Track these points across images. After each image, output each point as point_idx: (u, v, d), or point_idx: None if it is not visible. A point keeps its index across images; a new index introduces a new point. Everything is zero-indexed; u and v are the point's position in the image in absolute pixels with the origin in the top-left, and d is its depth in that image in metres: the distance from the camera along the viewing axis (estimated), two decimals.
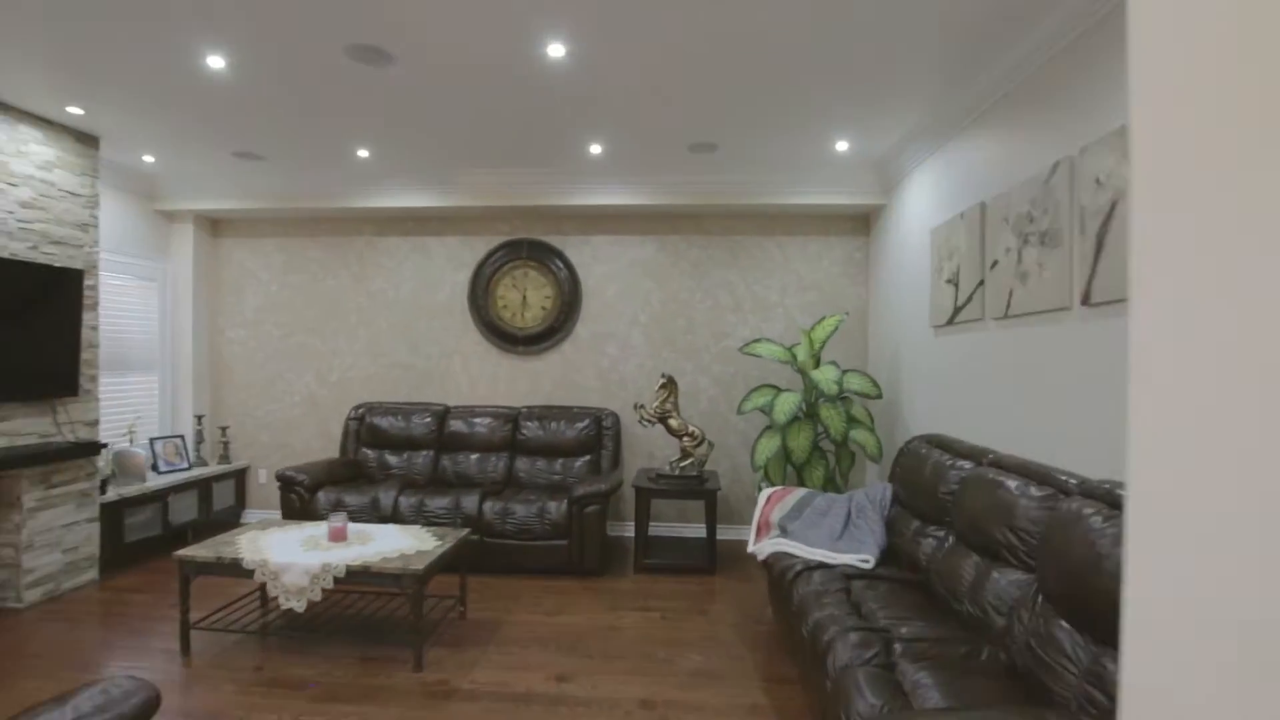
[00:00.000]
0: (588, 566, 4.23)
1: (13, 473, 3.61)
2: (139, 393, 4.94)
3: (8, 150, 3.55)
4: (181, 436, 5.05)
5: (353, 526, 3.62)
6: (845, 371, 4.28)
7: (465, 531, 3.58)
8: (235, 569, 3.09)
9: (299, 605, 3.03)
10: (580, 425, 4.93)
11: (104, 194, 4.58)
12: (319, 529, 3.55)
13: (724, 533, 5.09)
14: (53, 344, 3.73)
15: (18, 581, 3.66)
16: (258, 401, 5.48)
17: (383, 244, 5.37)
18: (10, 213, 3.58)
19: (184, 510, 4.79)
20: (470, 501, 4.31)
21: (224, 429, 5.32)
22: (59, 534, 3.86)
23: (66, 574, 3.90)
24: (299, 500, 4.43)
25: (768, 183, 4.71)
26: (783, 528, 3.44)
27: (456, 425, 5.02)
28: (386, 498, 4.40)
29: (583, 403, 5.25)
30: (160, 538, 4.58)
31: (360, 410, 5.18)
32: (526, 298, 5.26)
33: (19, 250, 3.62)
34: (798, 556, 3.10)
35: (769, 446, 4.22)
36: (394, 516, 4.35)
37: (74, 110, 3.62)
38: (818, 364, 4.40)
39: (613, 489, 4.30)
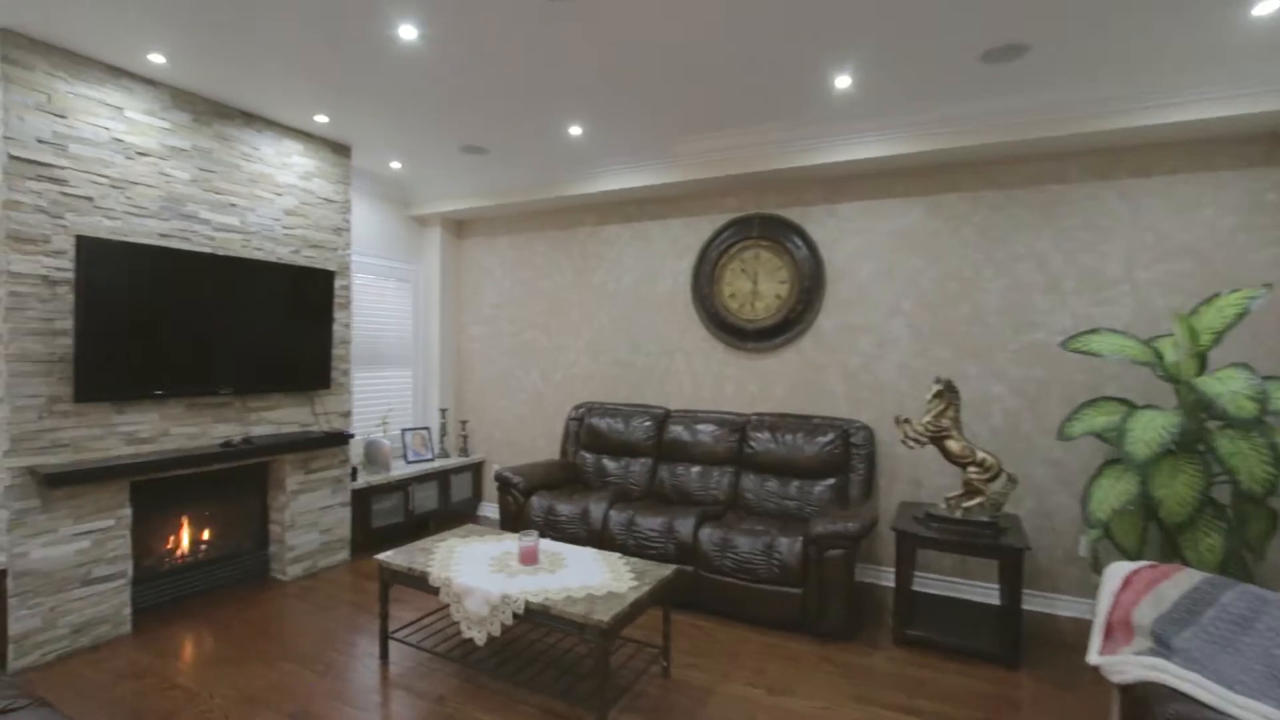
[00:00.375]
0: (827, 626, 3.26)
1: (279, 457, 3.94)
2: (393, 386, 5.30)
3: (275, 163, 3.87)
4: (428, 429, 5.30)
5: (547, 546, 3.20)
6: (1268, 379, 2.62)
7: (669, 572, 2.90)
8: (423, 583, 2.84)
9: (479, 637, 2.65)
10: (822, 440, 3.94)
11: (366, 203, 4.95)
12: (513, 546, 3.19)
13: (1030, 601, 3.65)
14: (309, 340, 4.00)
15: (284, 556, 3.99)
16: (492, 397, 5.57)
17: (603, 233, 5.02)
18: (277, 220, 3.90)
19: (425, 500, 4.98)
20: (685, 526, 3.64)
21: (464, 423, 5.49)
22: (316, 516, 4.15)
23: (322, 553, 4.19)
24: (514, 503, 4.23)
25: (1111, 98, 3.18)
26: (1160, 638, 2.08)
27: (676, 431, 4.41)
28: (597, 510, 3.96)
29: (826, 411, 4.24)
30: (402, 525, 4.79)
31: (580, 410, 4.88)
32: (757, 285, 4.43)
33: (284, 254, 3.94)
34: (1204, 704, 1.77)
35: (1116, 491, 2.77)
36: (602, 533, 3.88)
37: (321, 119, 3.80)
38: (1204, 367, 2.80)
39: (864, 530, 3.25)
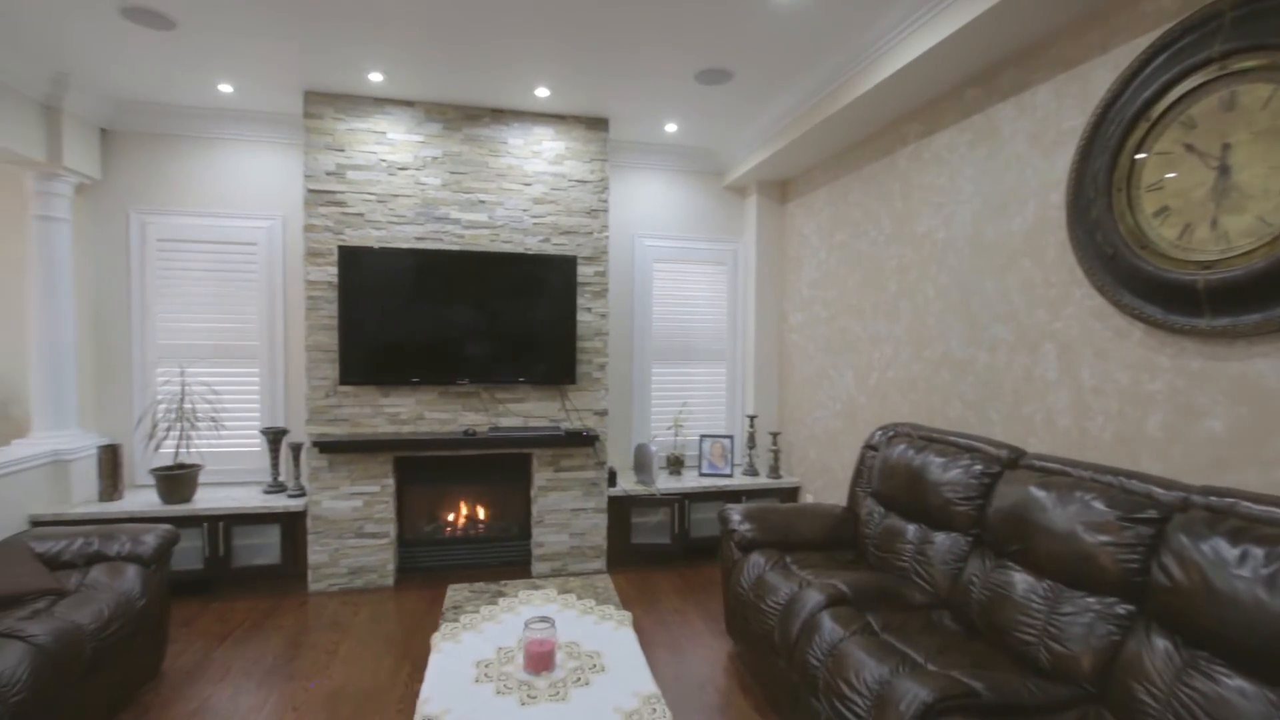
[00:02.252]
0: None
1: (526, 451, 3.90)
2: (701, 385, 4.62)
3: (523, 153, 3.83)
4: (730, 438, 4.42)
5: (579, 640, 2.05)
6: None
7: None
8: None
9: None
10: None
11: (663, 179, 4.47)
12: (500, 639, 2.15)
13: None
14: (552, 332, 3.81)
15: (530, 553, 3.94)
16: (808, 405, 4.21)
17: (931, 149, 3.06)
18: (525, 210, 3.85)
19: (708, 523, 4.14)
20: None
21: (774, 435, 4.33)
22: (567, 517, 3.95)
23: (573, 557, 3.96)
24: (731, 554, 3.00)
25: None
26: None
27: (1022, 497, 2.25)
28: (803, 608, 2.37)
29: None
30: (668, 549, 4.09)
31: (882, 435, 3.12)
32: (1232, 173, 1.83)
33: (532, 245, 3.86)
34: None
35: None
36: (793, 651, 2.30)
37: (557, 93, 3.54)
38: None
39: None
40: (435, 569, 3.91)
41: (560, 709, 1.72)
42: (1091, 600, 1.95)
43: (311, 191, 3.56)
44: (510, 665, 1.92)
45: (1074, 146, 2.30)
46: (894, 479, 2.86)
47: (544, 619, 1.95)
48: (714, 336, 4.64)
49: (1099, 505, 1.99)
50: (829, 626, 2.22)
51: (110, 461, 3.51)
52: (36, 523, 3.23)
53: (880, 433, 3.15)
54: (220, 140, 3.83)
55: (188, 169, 3.81)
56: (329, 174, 3.59)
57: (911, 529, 2.73)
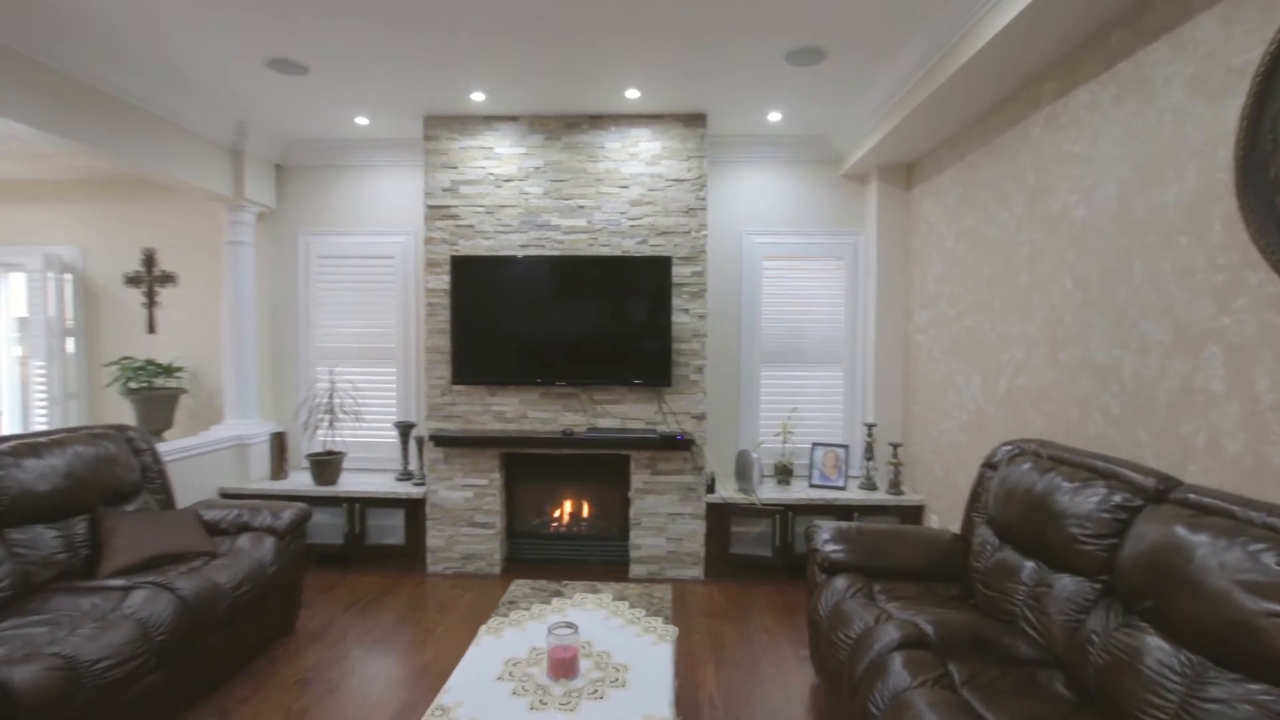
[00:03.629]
0: None
1: (623, 453, 3.91)
2: (814, 389, 4.30)
3: (620, 156, 3.85)
4: (845, 447, 4.06)
5: (613, 650, 1.98)
6: None
7: None
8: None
9: None
10: None
11: (771, 173, 4.25)
12: (536, 639, 2.11)
13: None
14: (646, 333, 3.79)
15: (628, 554, 3.94)
16: (933, 415, 3.73)
17: (1069, 110, 2.55)
18: (622, 213, 3.87)
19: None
20: None
21: (895, 447, 3.89)
22: (664, 521, 3.90)
23: (670, 562, 3.89)
24: (815, 573, 2.75)
25: None
26: None
27: (1161, 536, 1.79)
28: (871, 645, 2.09)
29: None
30: (769, 562, 3.85)
31: (1004, 452, 2.66)
32: None
33: (629, 247, 3.87)
34: None
35: None
36: (856, 689, 2.04)
37: (646, 90, 3.53)
38: None
39: None
40: (539, 562, 4.07)
41: (564, 718, 1.68)
42: (1254, 689, 1.48)
43: (430, 207, 3.90)
44: (536, 668, 1.92)
45: (1246, 87, 1.76)
46: (1011, 504, 2.42)
47: (569, 624, 1.92)
48: (829, 337, 4.29)
49: (1272, 561, 1.50)
50: (897, 671, 1.92)
51: (278, 447, 4.14)
52: (223, 494, 3.91)
53: (1004, 449, 2.68)
54: (363, 167, 4.35)
55: (339, 194, 4.37)
56: (444, 190, 3.90)
57: (1028, 567, 2.29)
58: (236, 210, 4.11)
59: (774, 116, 3.81)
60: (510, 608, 2.37)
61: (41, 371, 4.39)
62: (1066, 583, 2.09)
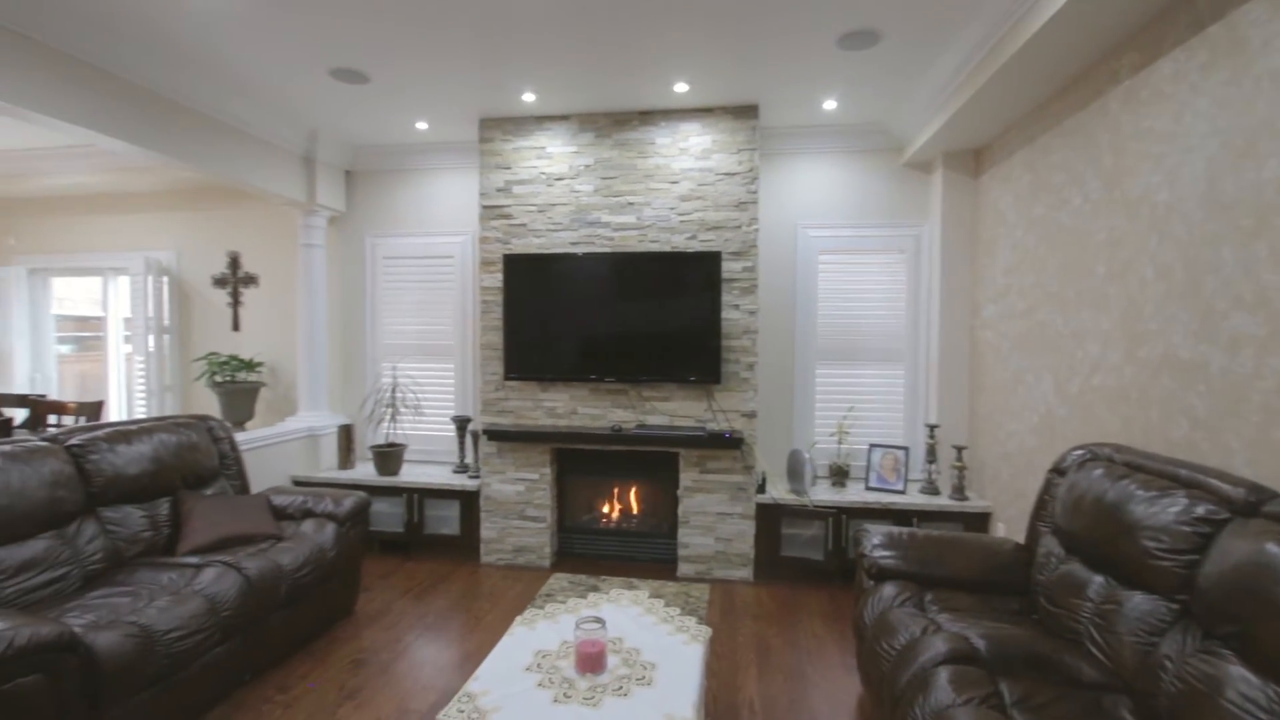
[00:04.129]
0: None
1: (672, 450, 3.88)
2: (873, 387, 4.13)
3: (670, 152, 3.82)
4: (905, 450, 3.87)
5: (642, 648, 1.96)
6: None
7: None
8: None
9: None
10: None
11: (828, 164, 4.11)
12: (567, 633, 2.09)
13: None
14: (693, 329, 3.74)
15: (675, 553, 3.91)
16: (1001, 416, 3.49)
17: (1150, 83, 2.32)
18: (672, 209, 3.84)
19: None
20: None
21: (959, 450, 3.68)
22: (712, 520, 3.84)
23: (718, 562, 3.84)
24: (863, 577, 2.64)
25: None
26: None
27: (1248, 553, 1.62)
28: (916, 655, 1.98)
29: None
30: (820, 566, 3.72)
31: (1074, 457, 2.46)
32: None
33: (679, 243, 3.84)
34: None
35: None
36: (895, 709, 1.94)
37: (696, 82, 3.49)
38: None
39: None
40: (589, 557, 4.10)
41: (587, 713, 1.68)
42: None
43: (485, 207, 4.01)
44: (565, 661, 1.93)
45: None
46: (1079, 513, 2.23)
47: (597, 619, 1.92)
48: (889, 334, 4.11)
49: None
50: (941, 686, 1.81)
51: (345, 438, 4.37)
52: (295, 481, 4.16)
53: (1075, 453, 2.47)
54: (424, 170, 4.51)
55: (403, 197, 4.56)
56: (498, 190, 3.99)
57: (1096, 581, 2.10)
58: (309, 215, 4.36)
59: (829, 105, 3.67)
60: (546, 600, 2.39)
61: (142, 365, 4.81)
62: (1138, 601, 1.91)
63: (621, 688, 1.80)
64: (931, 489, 3.78)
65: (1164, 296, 2.25)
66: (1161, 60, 2.26)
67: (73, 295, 5.54)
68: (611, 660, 1.93)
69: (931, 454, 3.81)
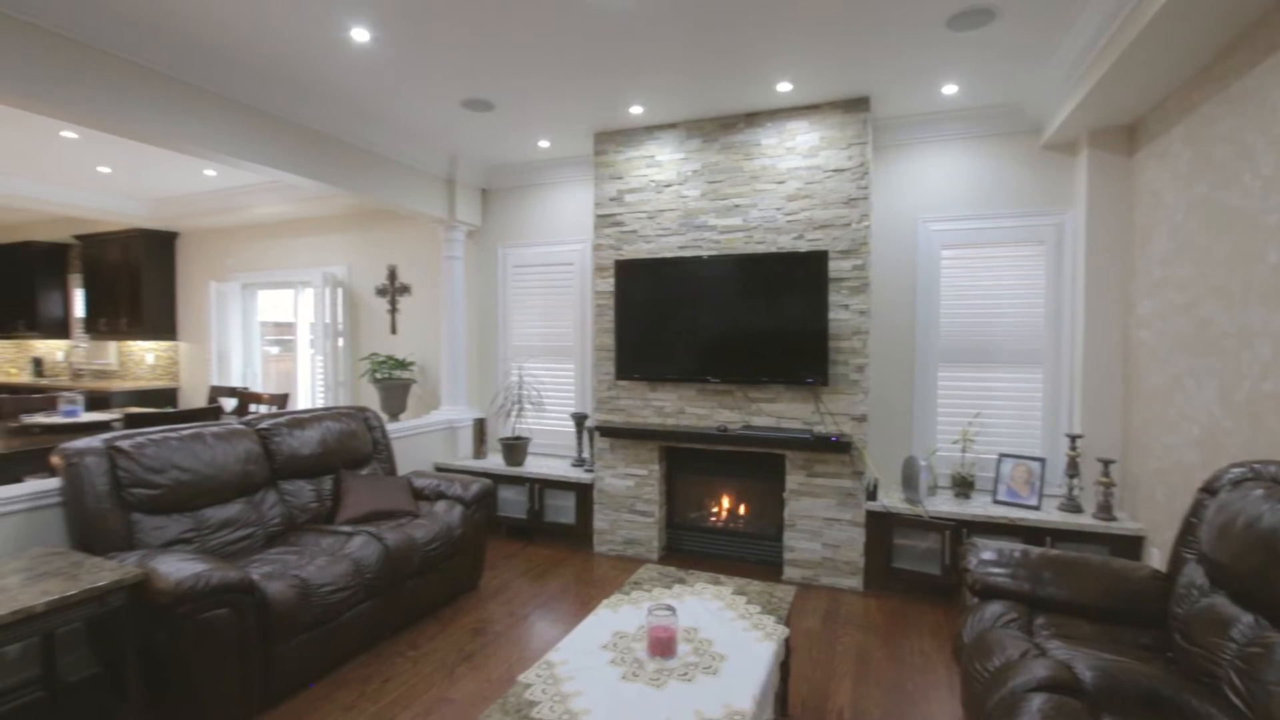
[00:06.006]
0: None
1: (778, 452, 3.85)
2: (1004, 392, 3.79)
3: (776, 152, 3.80)
4: (1041, 461, 3.52)
5: (714, 640, 2.01)
6: None
7: None
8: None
9: None
10: None
11: (967, 151, 3.86)
12: (640, 620, 2.16)
13: None
14: (799, 330, 3.69)
15: (781, 556, 3.87)
16: (1157, 428, 3.06)
17: None
18: (778, 209, 3.82)
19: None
20: None
21: (1106, 464, 3.27)
22: (819, 525, 3.76)
23: (824, 569, 3.75)
24: (968, 593, 2.47)
25: None
26: None
27: None
28: (1010, 679, 1.86)
29: None
30: (938, 581, 3.49)
31: (1230, 476, 2.14)
32: None
33: (785, 243, 3.80)
34: None
35: None
36: None
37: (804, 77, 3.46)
38: None
39: None
40: (696, 554, 4.19)
41: (650, 693, 1.78)
42: None
43: (599, 216, 4.24)
44: (639, 643, 2.04)
45: None
46: (1228, 539, 1.94)
47: (668, 607, 2.01)
48: (1024, 334, 3.75)
49: None
50: (1030, 713, 1.68)
51: (479, 430, 4.83)
52: (437, 467, 4.68)
53: (1233, 470, 2.14)
54: (547, 184, 4.86)
55: (529, 209, 4.95)
56: (611, 199, 4.21)
57: (1243, 620, 1.82)
58: (450, 230, 4.88)
59: (949, 89, 3.45)
60: (634, 587, 2.52)
61: (322, 364, 5.66)
62: None
63: (687, 674, 1.87)
64: (1072, 506, 3.40)
65: None
66: None
67: (274, 305, 6.64)
68: (683, 648, 2.01)
69: (1073, 467, 3.42)
